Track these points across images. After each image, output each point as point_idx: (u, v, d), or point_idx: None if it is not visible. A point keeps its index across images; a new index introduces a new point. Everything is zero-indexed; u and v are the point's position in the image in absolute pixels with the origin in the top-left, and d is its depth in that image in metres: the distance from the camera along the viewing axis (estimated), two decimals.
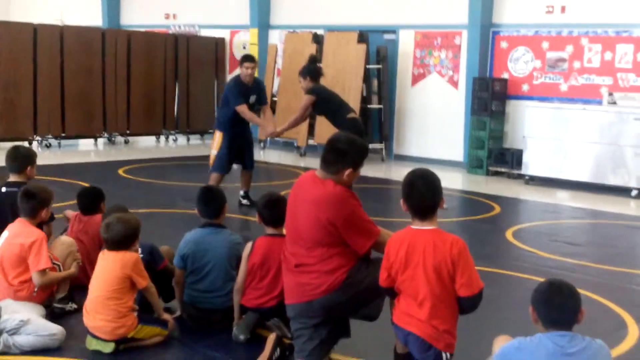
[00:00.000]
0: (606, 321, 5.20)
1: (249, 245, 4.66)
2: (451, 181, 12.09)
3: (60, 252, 4.97)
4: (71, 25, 15.07)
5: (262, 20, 16.11)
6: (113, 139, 15.21)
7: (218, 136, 8.76)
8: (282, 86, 15.11)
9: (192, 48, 16.42)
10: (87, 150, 14.69)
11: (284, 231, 4.22)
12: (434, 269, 3.53)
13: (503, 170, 12.43)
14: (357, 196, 3.94)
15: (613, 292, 5.93)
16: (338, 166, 3.91)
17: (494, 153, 12.53)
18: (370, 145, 13.97)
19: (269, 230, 4.68)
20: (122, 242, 4.42)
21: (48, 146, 14.07)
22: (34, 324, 4.35)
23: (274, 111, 15.23)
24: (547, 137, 11.53)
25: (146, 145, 15.59)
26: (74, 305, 4.97)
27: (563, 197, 10.92)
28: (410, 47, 13.95)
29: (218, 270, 4.73)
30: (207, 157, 13.97)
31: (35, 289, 4.70)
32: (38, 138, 13.99)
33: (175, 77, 16.20)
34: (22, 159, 5.43)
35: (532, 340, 3.16)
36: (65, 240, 5.12)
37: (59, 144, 14.26)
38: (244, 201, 8.98)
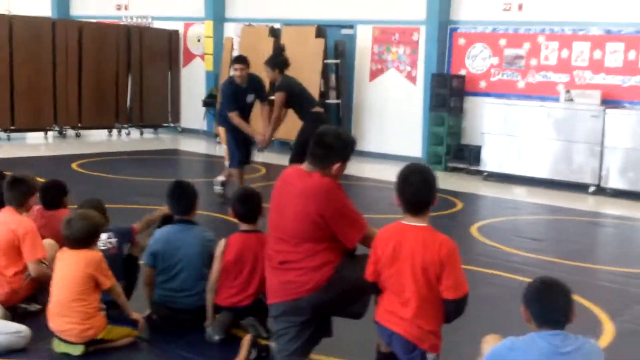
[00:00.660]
0: (580, 318, 5.18)
1: (222, 242, 4.52)
2: None
3: (48, 255, 4.76)
4: (20, 14, 14.61)
5: (217, 12, 15.87)
6: (64, 132, 14.82)
7: (221, 131, 8.86)
8: None
9: (145, 40, 16.10)
10: (38, 143, 14.28)
11: (265, 228, 4.06)
12: (422, 268, 3.45)
13: (461, 166, 12.47)
14: (342, 186, 3.84)
15: (582, 288, 5.90)
16: (327, 161, 3.81)
17: (453, 149, 12.57)
18: None
19: (243, 227, 4.55)
20: (83, 239, 4.23)
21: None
22: None
23: None
24: (505, 133, 11.61)
25: (98, 139, 15.23)
26: (37, 306, 4.78)
27: (522, 193, 10.98)
28: (368, 43, 13.89)
29: (190, 269, 4.58)
30: (161, 152, 13.96)
31: (26, 281, 4.52)
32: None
33: (128, 70, 15.85)
34: None
35: (524, 340, 3.09)
36: (49, 243, 4.89)
37: (8, 137, 13.82)
38: (218, 188, 8.97)
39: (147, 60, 16.11)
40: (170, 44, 16.62)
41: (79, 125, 15.03)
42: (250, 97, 8.56)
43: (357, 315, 3.95)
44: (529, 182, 11.37)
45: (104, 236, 4.67)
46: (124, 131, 15.96)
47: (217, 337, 4.43)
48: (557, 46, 11.85)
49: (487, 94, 12.47)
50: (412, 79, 13.41)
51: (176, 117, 16.94)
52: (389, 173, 12.24)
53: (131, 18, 17.33)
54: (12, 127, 13.86)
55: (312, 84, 13.38)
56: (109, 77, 15.44)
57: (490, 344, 3.37)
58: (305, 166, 3.88)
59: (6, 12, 15.41)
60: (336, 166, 3.83)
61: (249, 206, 4.50)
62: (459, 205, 9.48)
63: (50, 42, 14.33)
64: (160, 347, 4.39)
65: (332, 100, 14.01)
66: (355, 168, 12.69)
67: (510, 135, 11.54)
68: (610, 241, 8.64)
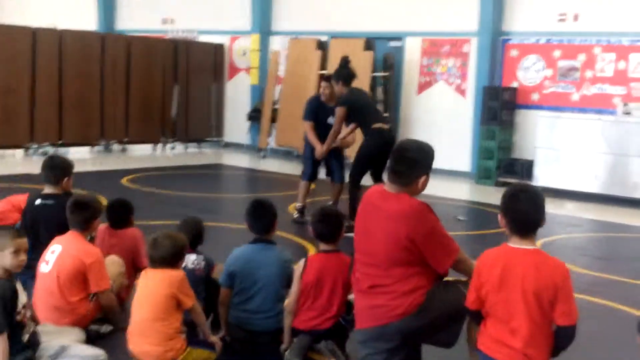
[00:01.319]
0: None
1: (301, 263, 4.39)
2: (460, 192, 11.94)
3: (111, 272, 4.69)
4: (70, 29, 14.70)
5: (263, 26, 15.85)
6: (110, 146, 14.86)
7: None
8: (284, 93, 14.84)
9: (191, 54, 16.12)
10: (83, 158, 14.30)
11: (356, 249, 3.90)
12: (534, 294, 3.27)
13: (512, 180, 12.20)
14: (432, 209, 3.68)
15: None
16: (411, 177, 3.67)
17: (503, 163, 12.35)
18: None
19: (323, 247, 4.42)
20: (168, 259, 4.14)
21: (45, 154, 13.68)
22: (75, 348, 4.06)
23: (274, 120, 15.01)
24: (558, 147, 11.37)
25: (143, 154, 15.23)
26: (110, 327, 4.68)
27: (577, 209, 10.71)
28: (416, 55, 13.74)
29: (268, 290, 4.44)
30: (208, 167, 13.92)
31: (91, 302, 4.47)
32: (34, 145, 13.62)
33: (174, 84, 15.87)
34: (59, 170, 5.14)
35: None
36: (115, 260, 4.83)
37: (56, 151, 13.88)
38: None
39: (193, 74, 16.13)
40: (216, 57, 16.62)
41: (126, 139, 15.05)
42: (331, 119, 8.35)
43: (448, 344, 3.80)
44: (582, 198, 11.11)
45: (193, 257, 4.64)
46: (168, 145, 15.95)
47: None
48: (613, 57, 11.60)
49: (539, 107, 12.26)
50: (461, 91, 13.22)
51: (220, 132, 16.92)
52: (439, 189, 12.25)
53: (177, 32, 17.37)
54: (60, 141, 13.93)
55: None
56: (156, 91, 15.48)
57: None
58: (388, 186, 3.72)
59: (52, 27, 15.48)
60: (422, 180, 3.69)
61: (330, 226, 4.37)
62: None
63: (98, 57, 14.40)
64: None
65: None
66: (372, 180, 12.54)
67: (564, 150, 11.30)
68: None
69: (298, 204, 8.77)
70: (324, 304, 4.31)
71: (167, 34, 17.31)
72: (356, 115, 7.98)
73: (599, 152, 10.93)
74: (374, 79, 13.55)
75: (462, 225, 9.12)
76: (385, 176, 3.75)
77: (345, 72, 8.22)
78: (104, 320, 4.68)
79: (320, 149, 8.36)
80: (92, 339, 4.46)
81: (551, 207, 10.58)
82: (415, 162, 3.69)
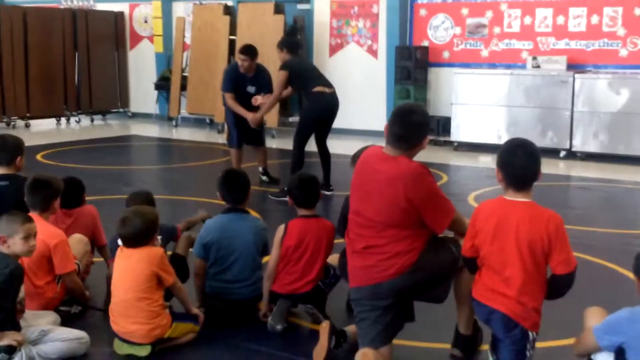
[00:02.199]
0: (621, 287, 5.26)
1: (281, 228, 4.38)
2: None
3: (77, 251, 4.53)
4: None
5: None
6: (13, 123, 14.22)
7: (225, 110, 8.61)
8: (192, 60, 14.55)
9: (91, 23, 15.51)
10: None
11: (351, 210, 3.89)
12: (528, 244, 3.38)
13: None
14: (430, 170, 3.72)
15: (610, 254, 6.01)
16: (416, 139, 3.67)
17: None
18: (290, 119, 13.75)
19: (302, 212, 4.42)
20: (141, 237, 4.02)
21: None
22: (57, 331, 3.94)
23: (184, 87, 14.73)
24: (474, 103, 11.68)
25: (48, 128, 14.65)
26: (79, 307, 4.56)
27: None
28: (326, 17, 13.73)
29: (245, 259, 4.42)
30: (120, 138, 13.56)
31: (58, 285, 4.30)
32: None
33: (75, 55, 15.27)
34: (10, 150, 4.89)
35: None
36: (79, 239, 4.67)
37: None
38: (264, 177, 8.87)
39: (93, 44, 15.56)
40: (117, 26, 16.07)
41: (28, 115, 14.43)
42: (251, 88, 8.31)
43: (440, 299, 3.87)
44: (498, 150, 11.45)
45: None
46: (73, 119, 15.39)
47: (279, 327, 4.30)
48: (519, 13, 11.95)
49: (451, 65, 12.52)
50: (373, 52, 13.33)
51: (125, 102, 16.45)
52: (354, 148, 12.32)
53: (72, 1, 16.67)
54: None
55: (273, 62, 13.15)
56: (56, 63, 14.86)
57: (596, 316, 3.34)
58: (387, 149, 3.72)
59: None
60: (425, 142, 3.71)
61: (308, 192, 4.39)
62: (444, 178, 9.50)
63: None
64: (224, 342, 4.22)
65: None
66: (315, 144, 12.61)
67: (480, 105, 11.62)
68: (602, 204, 8.70)
69: None
70: (305, 267, 4.33)
71: (61, 4, 16.60)
72: (296, 80, 7.93)
73: (513, 105, 11.29)
74: None
75: None
76: (387, 140, 3.71)
77: (289, 40, 8.25)
78: (72, 300, 4.54)
79: (252, 116, 8.27)
80: (64, 321, 4.32)
81: (471, 161, 11.03)
82: (420, 125, 3.69)
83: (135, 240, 3.99)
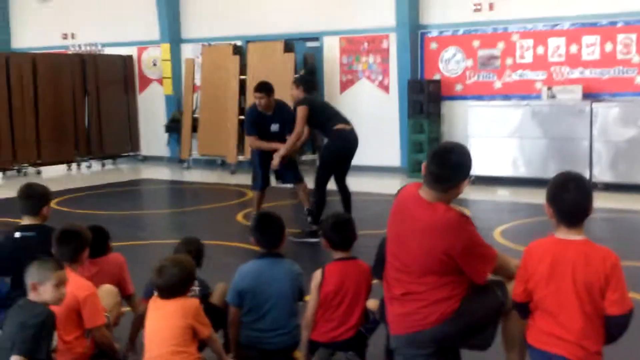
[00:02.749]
0: None
1: (318, 273, 4.21)
2: (394, 187, 11.90)
3: (107, 303, 4.35)
4: None
5: (172, 34, 15.42)
6: (24, 170, 14.12)
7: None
8: (203, 101, 14.50)
9: (100, 67, 15.50)
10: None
11: (389, 253, 3.74)
12: (585, 285, 3.21)
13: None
14: (471, 219, 3.55)
15: None
16: (454, 181, 3.50)
17: None
18: (303, 157, 13.62)
19: (338, 255, 4.25)
20: (178, 287, 3.86)
21: None
22: None
23: (195, 128, 14.66)
24: (490, 135, 11.55)
25: (59, 174, 14.56)
26: None
27: (519, 195, 10.82)
28: (335, 54, 13.69)
29: (281, 306, 4.23)
30: (132, 183, 13.45)
31: (88, 340, 4.12)
32: None
33: (85, 100, 15.23)
34: (37, 198, 4.75)
35: None
36: (110, 290, 4.49)
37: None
38: (309, 219, 8.14)
39: (103, 88, 15.52)
40: (125, 69, 16.06)
41: (39, 161, 14.34)
42: (274, 127, 8.09)
43: (484, 346, 3.70)
44: (518, 183, 11.31)
45: None
46: (84, 164, 15.31)
47: None
48: (531, 43, 11.87)
49: (464, 97, 12.43)
50: (384, 87, 13.26)
51: (136, 145, 16.37)
52: (370, 185, 12.27)
53: (79, 46, 16.69)
54: None
55: (285, 100, 13.08)
56: (66, 109, 14.80)
57: None
58: (426, 192, 3.55)
59: None
60: (464, 184, 3.55)
61: (345, 233, 4.23)
62: (468, 213, 9.30)
63: (4, 77, 13.63)
64: None
65: None
66: (332, 184, 12.44)
67: (495, 137, 11.50)
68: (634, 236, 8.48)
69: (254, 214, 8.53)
70: (345, 313, 4.15)
71: (68, 50, 16.63)
72: (316, 117, 7.81)
73: (530, 137, 11.16)
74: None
75: None
76: (424, 180, 3.55)
77: (308, 79, 8.14)
78: (102, 354, 4.36)
79: (281, 150, 7.99)
80: None
81: (490, 195, 10.84)
82: (459, 165, 3.52)
83: (171, 290, 3.83)
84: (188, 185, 13.31)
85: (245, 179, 13.10)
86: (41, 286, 3.62)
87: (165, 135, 15.63)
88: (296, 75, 12.59)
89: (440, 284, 3.50)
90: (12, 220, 7.85)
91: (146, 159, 16.23)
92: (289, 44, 13.44)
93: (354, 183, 11.49)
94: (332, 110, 8.11)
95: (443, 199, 3.51)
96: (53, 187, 12.12)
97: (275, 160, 7.98)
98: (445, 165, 3.49)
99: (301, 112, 7.73)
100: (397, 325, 3.63)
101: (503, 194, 10.94)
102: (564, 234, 3.32)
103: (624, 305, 3.22)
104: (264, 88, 8.08)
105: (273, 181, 8.71)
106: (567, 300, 3.24)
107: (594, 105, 10.70)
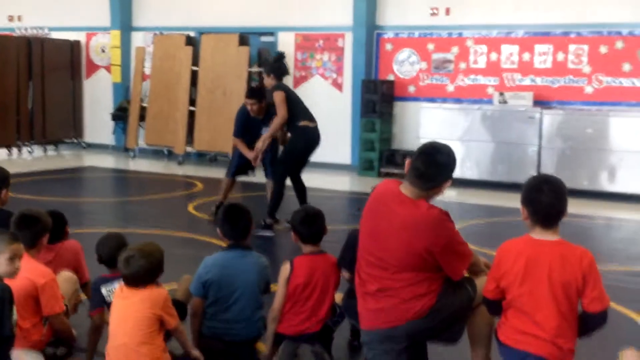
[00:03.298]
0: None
1: (287, 266, 4.15)
2: (345, 184, 11.98)
3: (65, 290, 4.21)
4: None
5: (123, 21, 15.12)
6: None
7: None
8: (152, 91, 14.25)
9: (46, 52, 15.09)
10: None
11: (362, 248, 3.71)
12: (562, 285, 3.23)
13: (395, 171, 12.41)
14: (450, 216, 3.55)
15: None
16: (438, 180, 3.50)
17: (385, 154, 12.51)
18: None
19: (308, 248, 4.20)
20: (146, 277, 3.76)
21: None
22: None
23: (142, 118, 14.41)
24: (441, 137, 11.56)
25: (0, 159, 14.13)
26: (65, 349, 4.23)
27: (466, 196, 10.95)
28: (290, 49, 13.62)
29: (247, 298, 4.15)
30: (77, 170, 13.14)
31: (45, 328, 3.98)
32: None
33: (29, 84, 14.81)
34: None
35: None
36: (69, 277, 4.35)
37: None
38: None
39: (48, 73, 15.12)
40: (72, 55, 15.69)
41: None
42: (265, 129, 7.96)
43: (455, 340, 3.72)
44: (466, 184, 11.43)
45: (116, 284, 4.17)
46: (25, 149, 14.90)
47: None
48: (485, 49, 12.02)
49: (416, 99, 12.52)
50: (337, 85, 13.26)
51: (79, 132, 16.00)
52: (322, 181, 12.25)
53: (25, 29, 16.25)
54: None
55: (236, 94, 12.99)
56: (10, 92, 14.37)
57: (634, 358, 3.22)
58: (406, 187, 3.54)
59: None
60: (447, 185, 3.54)
61: (314, 227, 4.18)
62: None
63: None
64: None
65: None
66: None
67: (446, 139, 11.48)
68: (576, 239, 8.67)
69: (219, 200, 8.43)
70: (313, 306, 4.11)
71: (14, 32, 16.17)
72: (288, 107, 7.72)
73: (480, 140, 11.30)
74: (249, 74, 13.29)
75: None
76: (407, 177, 3.53)
77: (278, 66, 7.97)
78: (58, 342, 4.22)
79: (253, 156, 7.95)
80: None
81: (439, 197, 10.84)
82: (444, 165, 3.51)
83: (139, 280, 3.72)
84: (133, 174, 13.07)
85: (193, 170, 12.99)
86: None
87: (111, 123, 15.33)
88: (261, 65, 12.42)
89: (417, 280, 3.49)
90: None
91: (89, 146, 15.89)
92: (244, 37, 13.32)
93: (305, 179, 11.47)
94: (301, 105, 8.00)
95: (424, 197, 3.50)
96: None
97: (259, 144, 7.81)
98: (431, 164, 3.49)
99: (279, 96, 7.66)
100: (371, 320, 3.60)
101: (451, 195, 11.02)
102: (539, 235, 3.34)
103: (603, 302, 3.26)
104: (256, 94, 7.97)
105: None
106: (542, 299, 3.26)
107: (544, 111, 10.90)
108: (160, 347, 3.72)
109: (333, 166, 13.03)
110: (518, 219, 3.50)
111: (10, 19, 16.54)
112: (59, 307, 4.07)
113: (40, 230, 4.19)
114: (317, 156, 13.11)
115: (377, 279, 3.56)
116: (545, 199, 3.29)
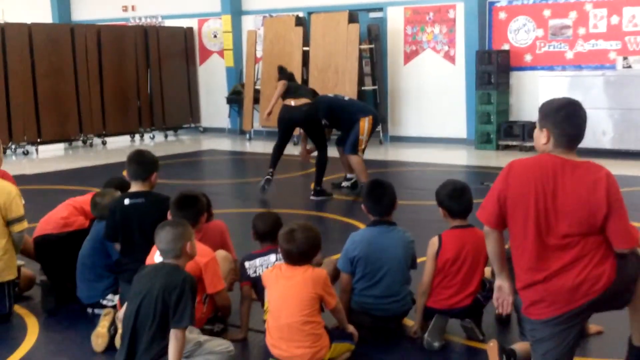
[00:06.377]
0: None
1: (435, 240, 4.16)
2: (463, 158, 11.81)
3: (223, 269, 4.36)
4: (39, 22, 14.00)
5: (233, 6, 15.37)
6: (90, 141, 14.28)
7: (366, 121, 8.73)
8: (265, 73, 14.44)
9: (162, 39, 15.55)
10: (66, 155, 13.71)
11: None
12: None
13: (514, 143, 12.18)
14: None
15: None
16: (581, 137, 3.42)
17: (502, 127, 12.27)
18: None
19: (456, 222, 4.20)
20: (309, 252, 3.87)
21: (25, 153, 13.10)
22: (208, 344, 3.81)
23: (257, 100, 14.63)
24: None
25: (124, 145, 14.67)
26: (221, 326, 4.39)
27: None
28: (400, 25, 13.52)
29: (395, 273, 4.21)
30: (198, 153, 13.50)
31: (205, 305, 4.14)
32: (13, 145, 13.01)
33: (147, 72, 15.31)
34: (147, 165, 4.77)
35: None
36: (225, 256, 4.51)
37: (36, 150, 13.28)
38: (345, 183, 9.27)
39: (165, 60, 15.59)
40: (186, 41, 16.10)
41: (104, 132, 14.48)
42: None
43: (625, 305, 3.48)
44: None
45: (272, 257, 4.28)
46: (147, 135, 15.43)
47: (437, 344, 4.08)
48: (605, 13, 11.58)
49: (533, 68, 12.20)
50: (450, 58, 13.07)
51: (197, 117, 16.44)
52: (431, 156, 12.15)
53: (139, 19, 16.77)
54: (39, 140, 13.32)
55: (349, 72, 13.04)
56: (130, 81, 14.92)
57: None
58: (566, 154, 3.35)
59: (1, 22, 14.57)
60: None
61: (463, 201, 4.17)
62: None
63: (69, 49, 13.75)
64: None
65: (368, 87, 13.64)
66: (396, 153, 12.39)
67: None
68: None
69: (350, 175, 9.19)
70: (463, 280, 4.11)
71: (129, 22, 16.72)
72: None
73: (604, 108, 10.92)
74: (360, 52, 13.27)
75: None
76: (559, 144, 3.38)
77: (288, 73, 9.02)
78: (215, 319, 4.38)
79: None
80: None
81: None
82: (585, 122, 3.40)
83: (301, 257, 3.83)
84: (252, 156, 13.30)
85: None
86: (189, 243, 3.78)
87: (226, 107, 15.66)
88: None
89: (600, 241, 3.31)
90: (85, 188, 7.98)
91: (206, 131, 16.30)
92: (353, 15, 13.29)
93: (416, 154, 11.50)
94: (293, 88, 8.80)
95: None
96: (120, 158, 12.33)
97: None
98: (580, 123, 3.38)
99: (279, 85, 8.83)
100: (561, 303, 3.32)
101: None
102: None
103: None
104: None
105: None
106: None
107: None
108: (321, 324, 3.82)
109: (449, 140, 12.90)
110: None
111: (125, 9, 17.08)
112: (221, 285, 4.21)
113: (200, 210, 4.36)
114: (430, 131, 13.19)
115: (546, 260, 3.33)
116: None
